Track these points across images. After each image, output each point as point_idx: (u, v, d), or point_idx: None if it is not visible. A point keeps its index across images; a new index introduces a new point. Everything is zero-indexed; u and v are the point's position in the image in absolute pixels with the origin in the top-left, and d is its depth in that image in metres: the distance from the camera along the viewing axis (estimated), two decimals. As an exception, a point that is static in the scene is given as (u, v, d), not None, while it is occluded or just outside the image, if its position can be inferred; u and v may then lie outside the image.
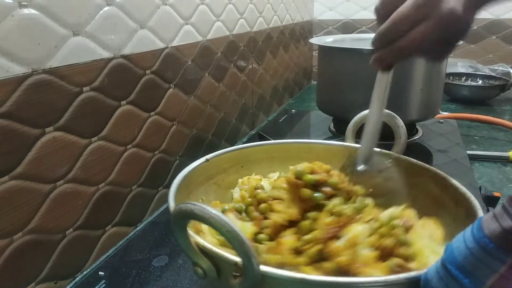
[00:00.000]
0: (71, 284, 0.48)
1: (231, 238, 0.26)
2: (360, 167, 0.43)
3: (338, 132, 0.90)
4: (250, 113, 1.02)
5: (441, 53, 0.42)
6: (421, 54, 0.42)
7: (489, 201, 0.61)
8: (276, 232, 0.39)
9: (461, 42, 0.41)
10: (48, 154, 0.45)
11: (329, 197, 0.41)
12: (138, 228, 0.61)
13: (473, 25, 0.39)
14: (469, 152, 0.80)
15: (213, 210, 0.26)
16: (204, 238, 0.33)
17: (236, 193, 0.49)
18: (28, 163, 0.43)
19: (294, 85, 1.39)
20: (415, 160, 0.49)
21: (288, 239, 0.36)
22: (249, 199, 0.44)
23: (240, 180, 0.50)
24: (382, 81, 0.44)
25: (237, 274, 0.28)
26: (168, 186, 0.53)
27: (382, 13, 0.39)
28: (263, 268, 0.27)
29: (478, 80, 1.32)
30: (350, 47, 0.82)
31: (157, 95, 0.64)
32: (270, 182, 0.48)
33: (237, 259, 0.27)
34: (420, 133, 0.88)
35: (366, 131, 0.45)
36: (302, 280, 0.27)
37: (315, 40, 0.91)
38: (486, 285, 0.24)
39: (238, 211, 0.44)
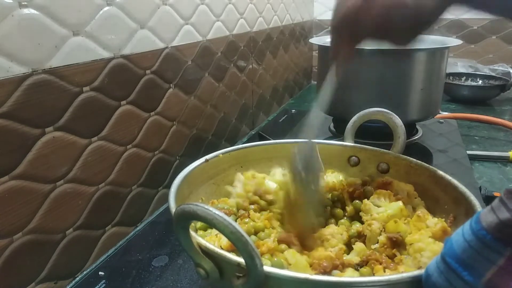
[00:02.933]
0: (71, 284, 0.48)
1: (234, 239, 0.26)
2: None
3: (338, 132, 0.90)
4: (250, 113, 1.02)
5: (403, 37, 0.40)
6: (383, 38, 0.41)
7: (489, 201, 0.61)
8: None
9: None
10: (48, 154, 0.45)
11: None
12: (138, 228, 0.61)
13: (442, 11, 0.37)
14: (469, 152, 0.80)
15: (217, 211, 0.26)
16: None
17: (238, 188, 0.48)
18: (28, 163, 0.43)
19: (294, 85, 1.39)
20: (415, 160, 0.49)
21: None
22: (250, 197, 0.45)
23: (238, 173, 0.50)
24: (331, 80, 0.43)
25: (240, 274, 0.28)
26: (168, 186, 0.53)
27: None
28: (266, 268, 0.27)
29: (478, 80, 1.32)
30: (350, 47, 0.82)
31: (157, 95, 0.64)
32: (275, 180, 0.48)
33: (240, 259, 0.27)
34: (420, 133, 0.88)
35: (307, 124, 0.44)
36: (306, 280, 0.27)
37: (315, 40, 0.91)
38: (485, 277, 0.24)
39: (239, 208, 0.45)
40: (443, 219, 0.40)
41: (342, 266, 0.35)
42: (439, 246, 0.35)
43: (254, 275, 0.26)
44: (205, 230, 0.42)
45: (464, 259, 0.24)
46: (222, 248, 0.33)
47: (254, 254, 0.26)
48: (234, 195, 0.48)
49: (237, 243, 0.26)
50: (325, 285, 0.27)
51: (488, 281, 0.24)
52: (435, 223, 0.39)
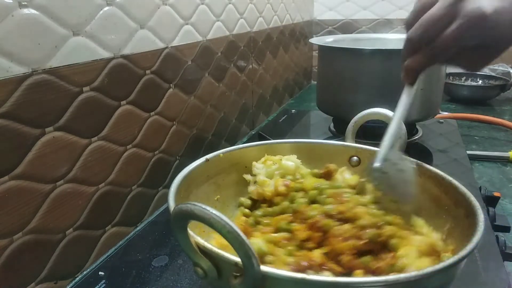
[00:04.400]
0: (71, 284, 0.48)
1: (231, 239, 0.26)
2: (376, 164, 0.43)
3: (338, 132, 0.90)
4: (250, 113, 1.02)
5: (476, 60, 0.39)
6: (455, 60, 0.39)
7: (489, 201, 0.61)
8: None
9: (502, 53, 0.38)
10: (48, 154, 0.45)
11: None
12: (138, 228, 0.61)
13: None
14: (469, 152, 0.80)
15: (213, 211, 0.26)
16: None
17: (261, 174, 0.49)
18: (28, 163, 0.43)
19: (294, 85, 1.39)
20: (415, 160, 0.48)
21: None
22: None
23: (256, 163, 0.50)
24: (411, 93, 0.44)
25: (238, 274, 0.28)
26: (168, 186, 0.53)
27: (413, 23, 0.37)
28: (263, 268, 0.27)
29: (478, 80, 1.32)
30: (350, 47, 0.82)
31: (157, 95, 0.64)
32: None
33: (237, 259, 0.27)
34: (420, 133, 0.88)
35: (386, 135, 0.45)
36: (303, 280, 0.27)
37: (315, 40, 0.91)
38: None
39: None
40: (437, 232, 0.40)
41: (320, 268, 0.34)
42: (425, 262, 0.34)
43: (251, 275, 0.26)
44: None
45: None
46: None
47: (250, 253, 0.26)
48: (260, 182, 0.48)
49: (234, 243, 0.26)
50: (322, 285, 0.27)
51: None
52: (421, 240, 0.38)
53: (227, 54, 0.86)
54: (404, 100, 0.43)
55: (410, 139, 0.84)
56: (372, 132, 0.67)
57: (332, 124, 0.95)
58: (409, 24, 0.39)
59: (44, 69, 0.44)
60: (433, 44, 0.36)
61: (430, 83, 0.79)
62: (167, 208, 0.37)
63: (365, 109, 0.56)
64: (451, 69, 1.32)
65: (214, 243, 0.40)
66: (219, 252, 0.29)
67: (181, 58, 0.69)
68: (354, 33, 1.47)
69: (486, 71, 1.32)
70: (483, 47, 0.36)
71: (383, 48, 0.80)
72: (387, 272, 0.34)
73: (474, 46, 0.36)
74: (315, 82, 1.35)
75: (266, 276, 0.27)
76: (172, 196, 0.39)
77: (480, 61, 0.38)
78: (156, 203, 0.67)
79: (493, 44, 0.36)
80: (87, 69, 0.50)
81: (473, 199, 0.38)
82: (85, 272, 0.51)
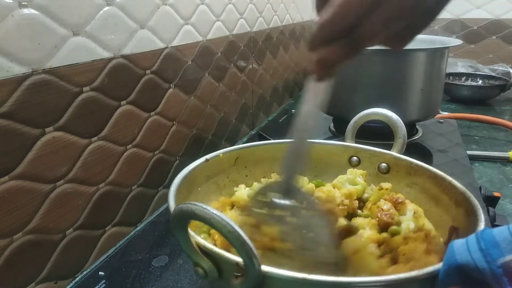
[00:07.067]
0: (71, 284, 0.48)
1: (232, 239, 0.26)
2: (278, 199, 0.33)
3: (338, 132, 0.90)
4: (250, 113, 1.02)
5: (403, 39, 0.33)
6: (381, 43, 0.32)
7: (489, 201, 0.61)
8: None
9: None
10: (48, 154, 0.45)
11: None
12: (138, 228, 0.61)
13: (441, 7, 0.30)
14: (469, 152, 0.80)
15: (214, 210, 0.26)
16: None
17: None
18: (28, 163, 0.43)
19: (294, 85, 1.39)
20: (415, 161, 0.49)
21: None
22: None
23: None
24: (322, 87, 0.34)
25: (239, 274, 0.28)
26: (168, 186, 0.53)
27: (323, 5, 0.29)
28: (264, 268, 0.27)
29: (478, 80, 1.32)
30: (350, 47, 0.82)
31: (157, 95, 0.64)
32: None
33: (238, 259, 0.27)
34: (420, 133, 0.88)
35: (287, 155, 0.35)
36: (304, 280, 0.27)
37: (315, 40, 0.91)
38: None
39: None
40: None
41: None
42: (432, 259, 0.34)
43: (252, 275, 0.27)
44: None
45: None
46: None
47: (251, 253, 0.26)
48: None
49: (235, 243, 0.26)
50: (323, 285, 0.27)
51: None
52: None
53: (227, 54, 0.86)
54: (313, 98, 0.35)
55: (410, 139, 0.84)
56: (372, 132, 0.67)
57: (332, 124, 0.95)
58: (319, 6, 0.30)
59: (44, 69, 0.44)
60: (358, 32, 0.29)
61: (430, 83, 0.79)
62: (167, 208, 0.37)
63: (365, 109, 0.56)
64: (450, 69, 1.32)
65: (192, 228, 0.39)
66: (219, 252, 0.29)
67: (181, 58, 0.69)
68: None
69: (486, 71, 1.32)
70: (411, 25, 0.30)
71: (383, 48, 0.80)
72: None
73: (402, 27, 0.30)
74: (315, 82, 1.35)
75: (267, 276, 0.27)
76: (172, 196, 0.39)
77: (408, 39, 0.32)
78: (156, 203, 0.67)
79: (421, 22, 0.30)
80: (87, 69, 0.50)
81: (473, 199, 0.38)
82: (85, 272, 0.51)
